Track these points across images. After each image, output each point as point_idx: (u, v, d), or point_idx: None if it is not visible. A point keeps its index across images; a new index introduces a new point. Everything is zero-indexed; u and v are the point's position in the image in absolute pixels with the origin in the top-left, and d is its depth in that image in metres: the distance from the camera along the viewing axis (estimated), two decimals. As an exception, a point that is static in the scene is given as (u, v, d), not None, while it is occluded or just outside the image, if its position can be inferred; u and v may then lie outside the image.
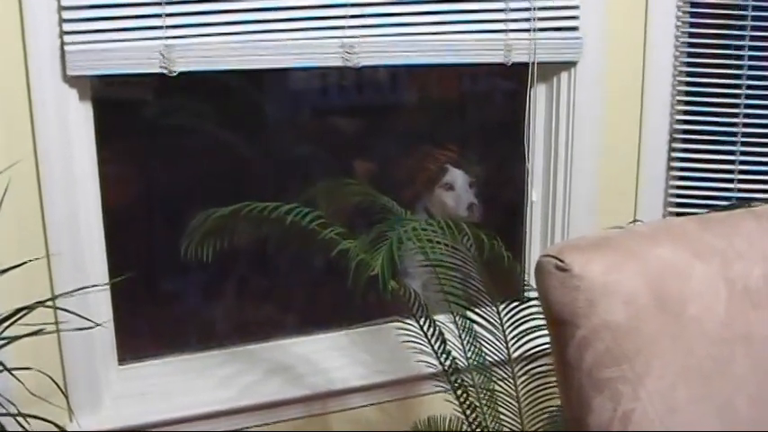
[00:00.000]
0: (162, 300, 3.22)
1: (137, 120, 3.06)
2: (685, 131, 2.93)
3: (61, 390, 2.26)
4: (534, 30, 2.64)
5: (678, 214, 2.95)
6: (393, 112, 3.71)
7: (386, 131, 3.66)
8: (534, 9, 2.62)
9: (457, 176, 3.24)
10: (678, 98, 2.90)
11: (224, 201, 2.24)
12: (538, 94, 2.83)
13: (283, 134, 3.59)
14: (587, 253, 1.51)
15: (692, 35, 2.85)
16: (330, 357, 2.88)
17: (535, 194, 2.91)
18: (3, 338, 2.02)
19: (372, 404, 2.83)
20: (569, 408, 1.55)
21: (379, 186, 2.55)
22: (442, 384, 2.46)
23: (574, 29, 2.71)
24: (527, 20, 2.63)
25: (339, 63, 2.47)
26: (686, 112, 2.91)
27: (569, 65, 2.76)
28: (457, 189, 3.22)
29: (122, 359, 2.70)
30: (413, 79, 3.60)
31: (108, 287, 2.54)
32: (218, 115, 3.30)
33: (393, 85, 3.67)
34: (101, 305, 2.51)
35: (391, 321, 2.78)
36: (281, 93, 3.55)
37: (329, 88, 3.68)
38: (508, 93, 3.35)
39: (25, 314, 2.02)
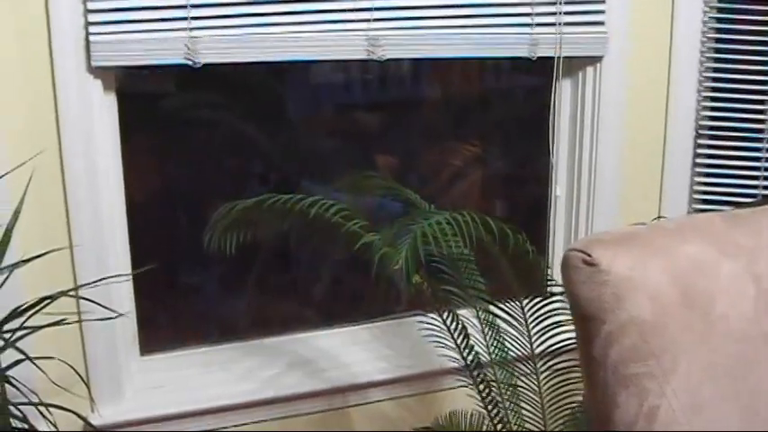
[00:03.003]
0: (184, 292, 3.21)
1: (160, 112, 3.05)
2: (711, 127, 2.91)
3: (83, 380, 2.27)
4: (560, 24, 2.62)
5: (703, 210, 2.94)
6: (416, 107, 3.69)
7: (408, 126, 3.64)
8: (560, 3, 2.61)
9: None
10: (704, 93, 2.88)
11: (246, 194, 2.23)
12: (563, 89, 2.82)
13: (306, 128, 3.58)
14: (614, 248, 1.50)
15: (719, 30, 2.83)
16: (351, 351, 2.87)
17: (559, 189, 2.90)
18: (25, 328, 2.02)
19: (393, 398, 2.83)
20: (594, 404, 1.54)
21: (401, 181, 2.54)
22: (464, 379, 2.45)
23: (600, 23, 2.70)
24: (553, 14, 2.62)
25: (364, 56, 2.47)
26: (712, 108, 2.89)
27: (595, 59, 2.75)
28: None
29: (144, 350, 2.70)
30: (436, 74, 3.58)
31: (130, 278, 2.54)
32: (240, 109, 3.29)
33: (416, 79, 3.65)
34: (123, 296, 2.52)
35: (413, 315, 2.77)
36: (304, 87, 3.54)
37: (351, 83, 3.67)
38: (532, 88, 3.33)
39: (48, 304, 2.02)
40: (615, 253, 1.48)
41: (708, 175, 2.94)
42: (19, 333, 2.02)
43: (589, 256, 1.47)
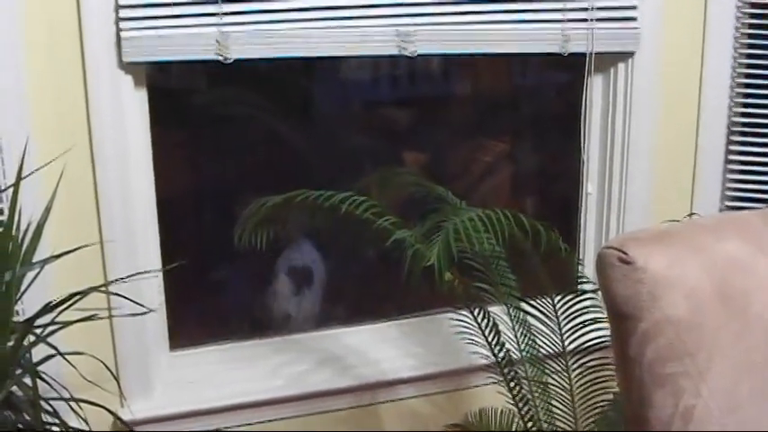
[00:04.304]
0: (214, 288, 3.21)
1: (190, 108, 3.06)
2: (744, 124, 2.88)
3: (113, 375, 2.27)
4: (592, 20, 2.60)
5: (735, 208, 2.91)
6: (445, 103, 3.68)
7: (438, 123, 3.64)
8: (592, -1, 2.60)
9: (283, 282, 3.15)
10: (737, 90, 2.86)
11: (276, 190, 2.23)
12: (594, 85, 2.80)
13: (335, 124, 3.58)
14: (650, 246, 1.49)
15: (752, 26, 2.80)
16: (380, 348, 2.87)
17: (591, 186, 2.88)
18: (56, 323, 2.03)
19: (423, 396, 2.82)
20: (629, 402, 1.53)
21: (430, 177, 2.53)
22: (494, 376, 2.44)
23: (632, 19, 2.67)
24: (585, 9, 2.60)
25: (395, 52, 2.46)
26: (745, 105, 2.87)
27: (627, 55, 2.73)
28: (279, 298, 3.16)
29: (174, 346, 2.70)
30: (465, 70, 3.57)
31: (160, 274, 2.54)
32: (270, 105, 3.29)
33: (445, 76, 3.64)
34: (153, 292, 2.52)
35: (443, 312, 2.76)
36: (333, 83, 3.54)
37: (381, 79, 3.67)
38: (562, 84, 3.31)
39: (79, 299, 2.02)
40: (651, 251, 1.47)
41: (740, 172, 2.91)
42: (50, 328, 2.02)
43: (625, 254, 1.46)
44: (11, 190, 2.01)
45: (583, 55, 2.66)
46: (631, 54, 2.72)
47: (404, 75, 3.63)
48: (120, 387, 2.38)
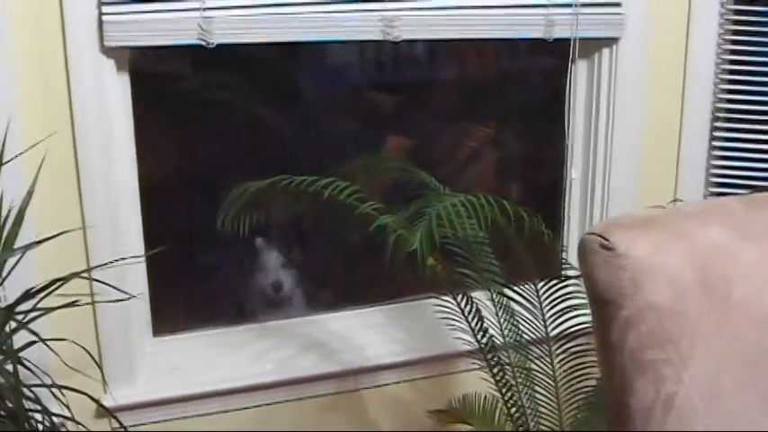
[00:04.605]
0: (198, 273, 3.21)
1: (174, 93, 3.04)
2: (728, 110, 2.89)
3: (96, 362, 2.26)
4: (577, 5, 2.60)
5: (719, 194, 2.92)
6: (430, 88, 3.68)
7: (423, 108, 3.63)
8: (577, -17, 2.59)
9: (269, 257, 3.13)
10: (721, 76, 2.86)
11: (260, 175, 2.22)
12: (579, 71, 2.80)
13: (320, 109, 3.57)
14: (633, 232, 1.48)
15: (737, 12, 2.81)
16: (364, 334, 2.86)
17: (575, 172, 2.88)
18: (38, 309, 2.02)
19: (406, 381, 2.82)
20: (611, 389, 1.52)
21: (415, 163, 2.52)
22: (477, 362, 2.45)
23: (617, 4, 2.67)
24: (570, -6, 2.60)
25: (379, 37, 2.45)
26: (729, 91, 2.87)
27: (611, 41, 2.73)
28: (266, 270, 3.14)
29: (157, 332, 2.69)
30: (449, 55, 3.57)
31: (144, 260, 2.53)
32: (254, 90, 3.28)
33: (430, 60, 3.64)
34: (136, 278, 2.51)
35: (427, 298, 2.76)
36: (318, 67, 3.53)
37: (366, 63, 3.66)
38: (547, 69, 3.31)
39: (60, 285, 2.01)
40: (633, 237, 1.47)
41: (724, 158, 2.91)
42: (31, 315, 2.01)
43: (607, 240, 1.45)
44: (-8, 175, 2.00)
45: (568, 41, 2.65)
46: (616, 40, 2.72)
47: (389, 60, 3.62)
48: (102, 373, 2.37)
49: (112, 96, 2.35)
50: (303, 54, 3.37)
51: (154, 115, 2.84)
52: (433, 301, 2.52)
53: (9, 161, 2.03)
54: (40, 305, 2.02)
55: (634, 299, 1.44)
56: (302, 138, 3.41)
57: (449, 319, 2.44)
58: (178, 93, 3.07)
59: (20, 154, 2.11)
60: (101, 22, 2.23)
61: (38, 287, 2.00)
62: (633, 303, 1.44)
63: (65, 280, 2.02)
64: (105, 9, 2.22)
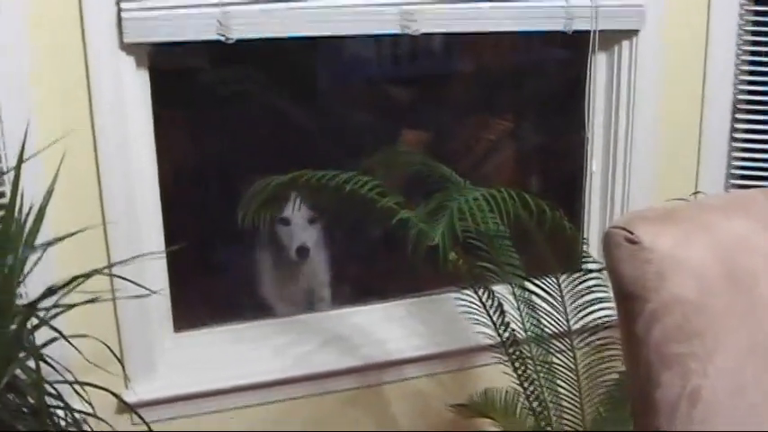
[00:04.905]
0: (218, 268, 3.21)
1: (192, 88, 3.04)
2: (749, 102, 2.87)
3: (117, 357, 2.26)
4: (596, -4, 2.59)
5: (741, 187, 2.90)
6: (446, 80, 3.67)
7: (440, 100, 3.63)
8: (596, -25, 2.58)
9: (296, 213, 2.98)
10: (742, 68, 2.85)
11: (279, 169, 2.22)
12: (598, 63, 2.79)
13: (337, 102, 3.57)
14: (657, 225, 1.48)
15: (757, 1, 2.79)
16: (385, 328, 2.86)
17: (595, 165, 2.86)
18: (59, 306, 2.02)
19: (428, 375, 2.82)
20: (636, 382, 1.52)
21: (433, 156, 2.52)
22: (499, 356, 2.44)
23: (636, -5, 2.66)
24: (589, -14, 2.58)
25: (398, 30, 2.44)
26: (750, 82, 2.86)
27: (631, 33, 2.72)
28: (292, 225, 3.01)
29: (178, 327, 2.69)
30: (466, 47, 3.56)
31: (164, 255, 2.53)
32: (273, 84, 3.28)
33: (447, 53, 3.63)
34: (156, 273, 2.52)
35: (448, 292, 2.75)
36: (335, 61, 3.53)
37: (382, 56, 3.66)
38: (565, 61, 3.30)
39: (82, 282, 2.01)
40: (658, 230, 1.46)
41: (745, 150, 2.90)
42: (53, 311, 2.01)
43: (632, 233, 1.45)
44: (12, 173, 2.00)
45: (587, 32, 2.64)
46: (636, 32, 2.70)
47: (405, 52, 3.62)
48: (124, 369, 2.38)
49: (131, 93, 2.35)
50: (320, 47, 3.37)
51: (172, 111, 2.84)
52: (454, 294, 2.51)
53: (29, 158, 2.02)
54: (61, 301, 2.02)
55: (659, 292, 1.44)
56: (320, 131, 3.41)
57: (470, 313, 2.43)
58: (195, 87, 3.07)
59: (40, 152, 2.11)
60: (120, 19, 2.23)
61: (59, 284, 2.00)
62: (658, 297, 1.44)
63: (86, 276, 2.02)
64: (124, 5, 2.22)
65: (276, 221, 2.95)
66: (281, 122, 3.33)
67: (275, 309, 3.09)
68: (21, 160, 1.98)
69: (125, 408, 2.37)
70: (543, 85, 3.54)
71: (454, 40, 3.42)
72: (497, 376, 2.52)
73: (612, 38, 2.73)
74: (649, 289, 1.44)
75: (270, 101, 3.30)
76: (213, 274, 3.18)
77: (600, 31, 2.64)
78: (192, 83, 3.03)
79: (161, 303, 2.56)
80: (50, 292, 2.01)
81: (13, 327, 1.96)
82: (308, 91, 3.47)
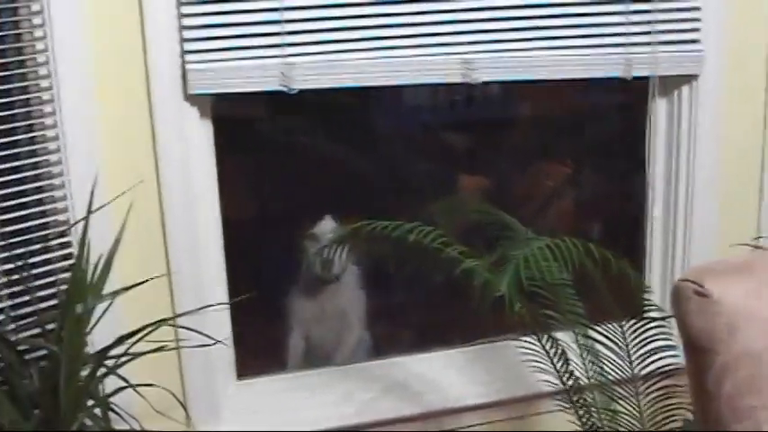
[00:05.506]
0: (280, 316, 3.22)
1: (253, 136, 3.07)
2: (810, 145, 2.85)
3: (182, 404, 2.28)
4: (655, 43, 2.58)
5: (803, 230, 2.88)
6: (504, 126, 3.68)
7: (497, 146, 3.63)
8: (655, 22, 2.57)
9: (325, 229, 2.95)
10: (802, 111, 2.83)
11: (339, 216, 2.24)
12: (658, 109, 2.78)
13: (394, 149, 3.59)
14: (727, 277, 1.47)
15: (818, 47, 2.78)
16: (447, 375, 2.85)
17: (656, 210, 2.85)
18: (128, 354, 2.04)
19: (489, 422, 2.80)
20: (706, 434, 1.51)
21: (492, 202, 2.52)
22: (561, 404, 2.43)
23: (695, 41, 2.64)
24: (648, 33, 2.58)
25: (459, 79, 2.45)
26: (811, 126, 2.83)
27: (690, 78, 2.70)
28: (320, 242, 2.94)
29: (241, 374, 2.71)
30: (524, 93, 3.56)
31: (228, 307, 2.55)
32: (331, 131, 3.31)
33: (504, 99, 3.64)
34: (220, 321, 2.53)
35: (509, 339, 2.75)
36: (392, 108, 3.55)
37: (439, 103, 3.67)
38: (623, 106, 3.30)
39: (151, 331, 2.04)
40: (727, 283, 1.46)
41: (808, 194, 2.88)
42: (121, 360, 2.04)
43: (701, 286, 1.45)
44: (81, 224, 2.04)
45: (646, 78, 2.64)
46: (695, 77, 2.69)
47: (462, 98, 3.63)
48: (188, 416, 2.39)
49: (196, 143, 2.38)
50: (377, 94, 3.39)
51: (234, 159, 2.87)
52: (513, 342, 2.51)
53: (96, 210, 2.05)
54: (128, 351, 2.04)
55: (730, 345, 1.43)
56: (378, 177, 3.43)
57: (532, 360, 2.42)
58: (257, 136, 3.10)
59: (107, 204, 2.14)
60: (184, 71, 2.27)
61: (128, 333, 2.03)
62: (729, 350, 1.43)
63: (155, 326, 2.05)
64: (188, 57, 2.26)
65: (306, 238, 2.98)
66: (339, 169, 3.35)
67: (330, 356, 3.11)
68: (89, 211, 2.02)
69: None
70: (603, 130, 3.54)
71: (511, 85, 3.42)
72: (558, 423, 2.50)
73: (672, 83, 2.73)
74: (720, 341, 1.44)
75: (328, 148, 3.32)
76: (276, 321, 3.18)
77: (659, 77, 2.64)
78: (253, 131, 3.06)
79: (224, 351, 2.57)
80: (120, 341, 2.03)
81: (84, 373, 1.99)
82: (366, 138, 3.49)
